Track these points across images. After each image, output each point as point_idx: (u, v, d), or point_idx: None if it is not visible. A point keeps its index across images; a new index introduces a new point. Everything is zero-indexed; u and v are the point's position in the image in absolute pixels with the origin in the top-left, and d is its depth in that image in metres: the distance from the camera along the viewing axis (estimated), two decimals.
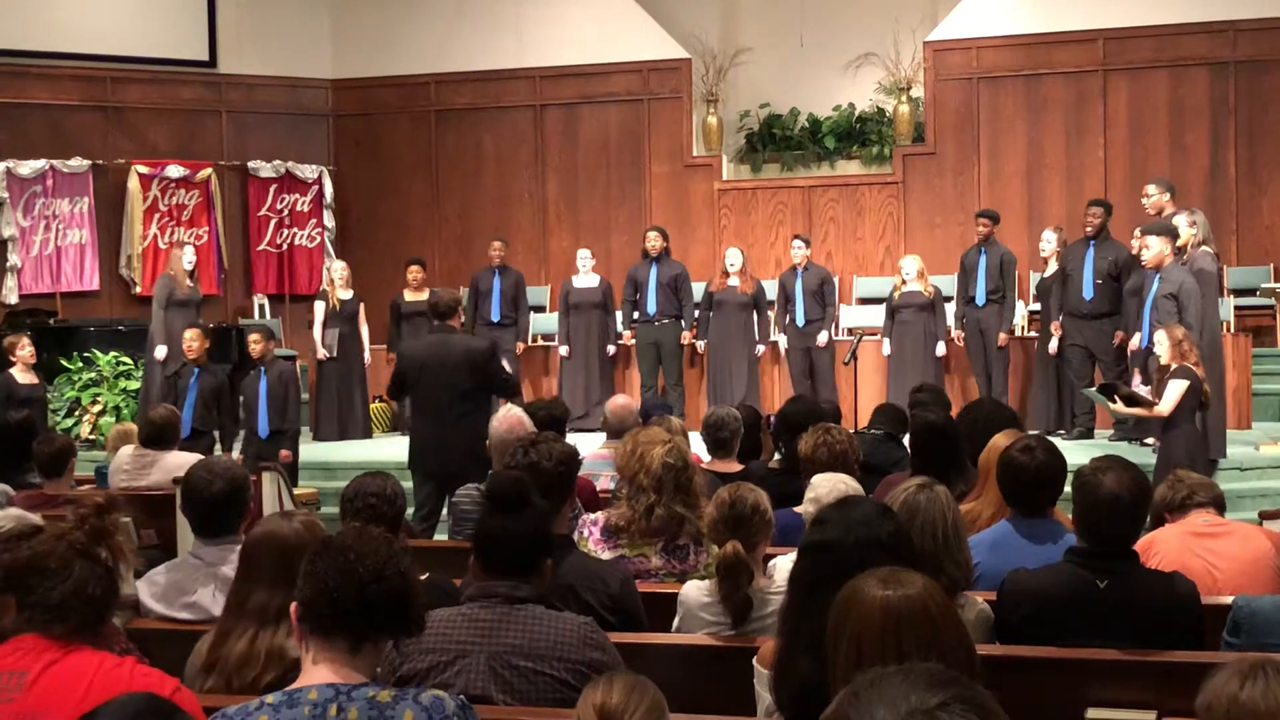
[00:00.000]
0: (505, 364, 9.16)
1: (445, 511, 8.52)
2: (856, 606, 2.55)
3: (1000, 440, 5.10)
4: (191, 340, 10.98)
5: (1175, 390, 8.55)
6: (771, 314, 13.30)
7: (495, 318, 13.52)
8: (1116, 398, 9.17)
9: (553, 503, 4.49)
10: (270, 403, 10.77)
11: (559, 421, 7.00)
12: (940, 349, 12.47)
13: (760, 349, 12.99)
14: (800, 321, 12.83)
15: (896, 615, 2.50)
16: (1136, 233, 10.86)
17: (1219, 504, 5.03)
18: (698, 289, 13.43)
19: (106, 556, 3.08)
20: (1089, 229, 11.67)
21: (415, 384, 8.60)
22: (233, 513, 4.54)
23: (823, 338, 12.75)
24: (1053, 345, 11.74)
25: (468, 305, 13.76)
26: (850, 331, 12.89)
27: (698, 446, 7.03)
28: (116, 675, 2.91)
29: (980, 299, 12.33)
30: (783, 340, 13.03)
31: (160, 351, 12.37)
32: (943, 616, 2.58)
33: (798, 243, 13.03)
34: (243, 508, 4.59)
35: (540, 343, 14.24)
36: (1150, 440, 10.23)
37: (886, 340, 12.62)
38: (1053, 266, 12.01)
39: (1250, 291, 12.99)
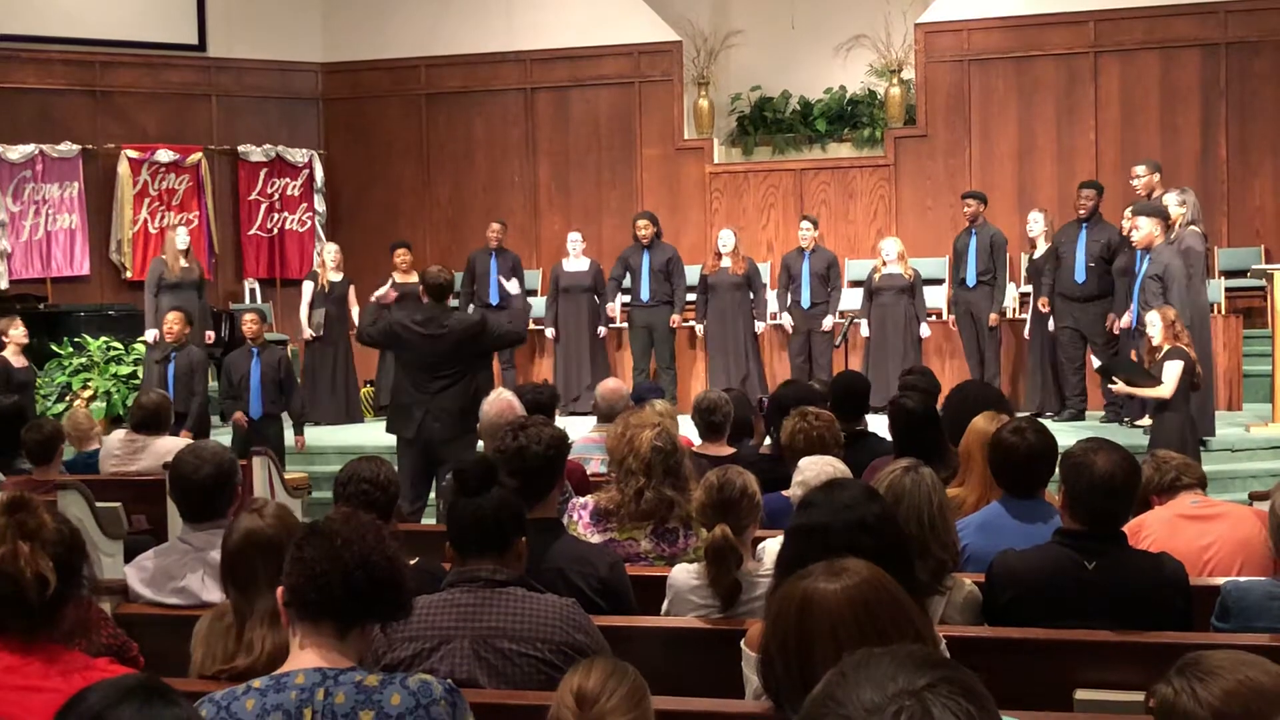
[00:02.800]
0: (501, 320, 9.18)
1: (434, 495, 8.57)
2: (819, 606, 2.49)
3: (980, 423, 5.09)
4: (172, 323, 10.98)
5: (1173, 371, 8.58)
6: (767, 294, 13.29)
7: (494, 300, 13.48)
8: (1116, 378, 9.21)
9: (542, 487, 4.49)
10: (265, 386, 10.78)
11: (547, 406, 7.00)
12: (924, 331, 12.46)
13: (760, 326, 12.96)
14: (805, 303, 12.79)
15: (864, 602, 2.48)
16: (1127, 213, 10.88)
17: (1203, 485, 5.04)
18: (690, 272, 13.42)
19: (28, 555, 2.88)
20: (1081, 211, 11.69)
21: (406, 356, 8.71)
22: (221, 498, 4.54)
23: (828, 322, 12.66)
24: (1053, 324, 11.78)
25: (463, 287, 13.75)
26: (841, 314, 12.89)
27: (687, 429, 7.04)
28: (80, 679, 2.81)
29: (971, 280, 12.33)
30: (787, 319, 13.01)
31: (150, 335, 12.36)
32: (898, 589, 2.57)
33: (806, 224, 12.99)
34: (231, 493, 4.59)
35: (532, 326, 14.21)
36: (1141, 422, 10.26)
37: (864, 322, 12.61)
38: (1042, 247, 12.02)
39: (1241, 273, 13.00)
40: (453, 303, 14.25)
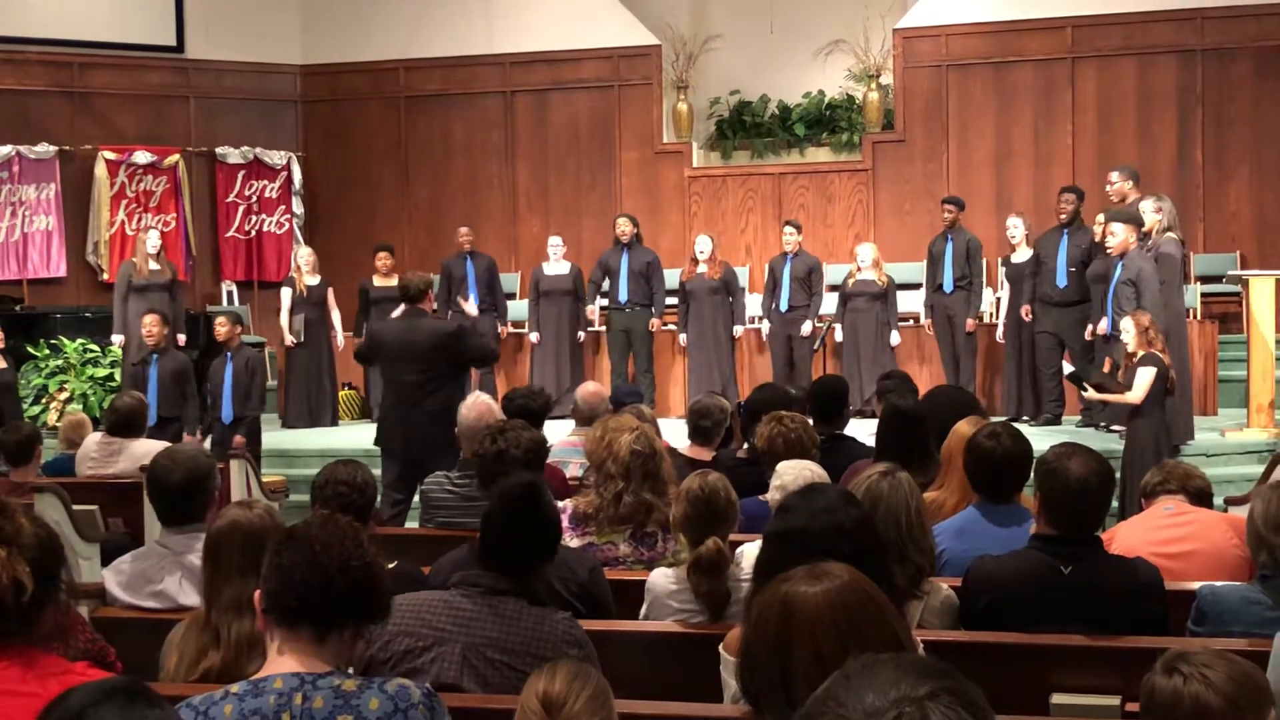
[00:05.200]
0: (480, 334, 9.06)
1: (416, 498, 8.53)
2: (799, 609, 2.49)
3: (963, 428, 5.10)
4: (150, 326, 10.89)
5: (1145, 377, 8.60)
6: (745, 298, 13.31)
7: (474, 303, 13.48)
8: (1087, 385, 9.24)
9: None
10: (235, 389, 10.73)
11: (538, 414, 6.93)
12: (895, 339, 12.50)
13: (739, 330, 12.97)
14: (784, 307, 12.81)
15: (844, 606, 2.48)
16: (1099, 219, 10.93)
17: (1192, 493, 5.02)
18: (669, 276, 13.43)
19: (4, 560, 2.86)
20: (1062, 215, 11.73)
21: (384, 363, 8.69)
22: (195, 501, 4.52)
23: (806, 327, 12.67)
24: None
25: (439, 293, 13.73)
26: (820, 318, 12.92)
27: (668, 433, 7.04)
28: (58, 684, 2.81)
29: (948, 286, 12.37)
30: (765, 326, 13.03)
31: (117, 339, 12.30)
32: (878, 594, 2.58)
33: (788, 229, 12.99)
34: (206, 496, 4.56)
35: (511, 329, 14.21)
36: (1117, 427, 10.29)
37: (838, 327, 12.64)
38: (1022, 252, 12.05)
39: (1216, 278, 13.05)
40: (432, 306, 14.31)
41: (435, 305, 9.03)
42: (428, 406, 8.33)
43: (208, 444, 10.50)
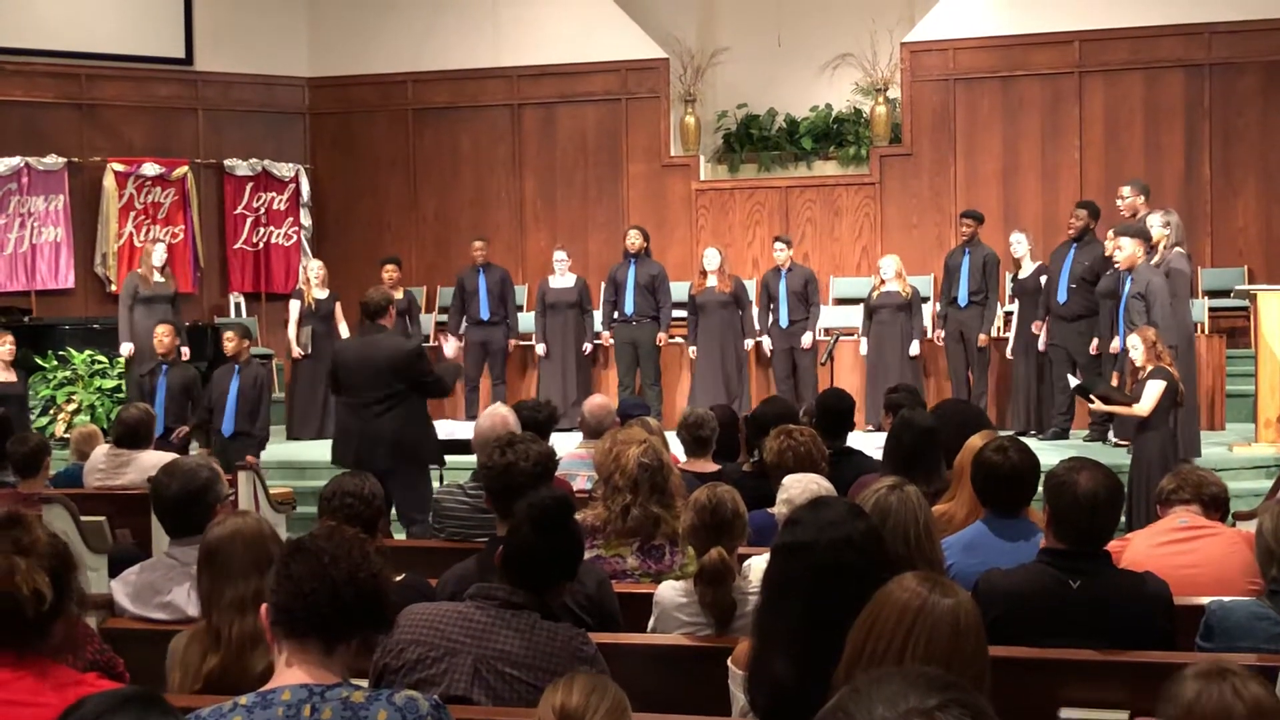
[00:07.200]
0: (440, 367, 9.06)
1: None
2: (886, 597, 2.61)
3: (977, 442, 5.11)
4: (162, 336, 10.96)
5: (1154, 390, 8.61)
6: (754, 311, 13.31)
7: (485, 316, 13.50)
8: (1094, 397, 9.24)
9: None
10: (240, 403, 10.71)
11: (544, 425, 6.95)
12: (914, 348, 12.49)
13: (749, 343, 12.97)
14: (784, 322, 12.82)
15: (914, 616, 2.53)
16: (1110, 234, 10.93)
17: (1207, 501, 4.99)
18: (676, 289, 13.43)
19: (24, 571, 2.89)
20: (1071, 231, 11.74)
21: (342, 381, 8.65)
22: (194, 513, 4.53)
23: (807, 339, 12.72)
24: (1043, 343, 11.81)
25: (452, 304, 13.75)
26: (827, 332, 12.91)
27: (675, 447, 7.04)
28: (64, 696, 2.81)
29: (963, 300, 12.36)
30: (766, 341, 13.03)
31: (126, 349, 12.32)
32: (965, 635, 2.58)
33: (779, 244, 13.01)
34: (207, 508, 4.57)
35: (518, 342, 14.22)
36: (1123, 441, 10.28)
37: (864, 340, 12.65)
38: (1026, 267, 12.07)
39: (1224, 293, 13.06)
40: (440, 318, 14.38)
41: (398, 320, 9.03)
42: (380, 425, 8.34)
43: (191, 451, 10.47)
